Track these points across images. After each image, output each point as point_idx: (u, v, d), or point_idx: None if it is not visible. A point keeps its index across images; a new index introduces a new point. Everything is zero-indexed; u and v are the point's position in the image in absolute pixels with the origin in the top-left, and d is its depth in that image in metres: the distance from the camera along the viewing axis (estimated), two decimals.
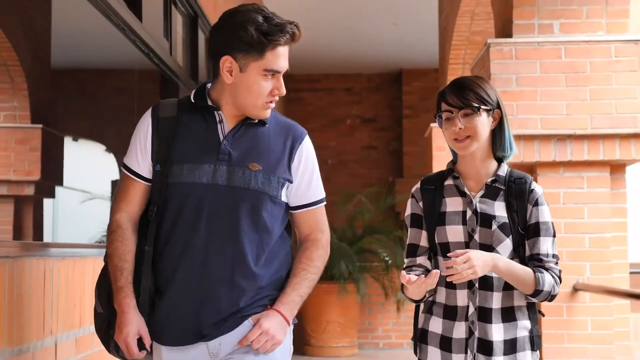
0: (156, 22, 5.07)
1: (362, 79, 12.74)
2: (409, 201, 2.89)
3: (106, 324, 2.61)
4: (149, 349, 2.56)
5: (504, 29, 5.47)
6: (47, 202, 3.64)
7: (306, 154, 2.67)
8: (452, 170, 2.82)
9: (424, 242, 2.81)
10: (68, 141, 3.87)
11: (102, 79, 4.67)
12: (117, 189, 2.68)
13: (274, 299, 2.62)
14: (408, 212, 2.87)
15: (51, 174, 3.65)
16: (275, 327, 2.55)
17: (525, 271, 2.70)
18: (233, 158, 2.57)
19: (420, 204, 2.82)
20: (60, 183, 3.76)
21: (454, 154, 2.83)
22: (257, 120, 2.61)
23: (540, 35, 5.26)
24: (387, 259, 10.01)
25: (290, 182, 2.63)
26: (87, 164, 4.16)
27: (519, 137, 5.16)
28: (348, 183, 12.20)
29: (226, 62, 2.53)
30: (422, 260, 2.81)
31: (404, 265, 2.85)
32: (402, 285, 2.75)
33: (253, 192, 2.55)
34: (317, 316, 10.11)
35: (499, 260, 2.67)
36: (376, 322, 10.87)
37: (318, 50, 11.41)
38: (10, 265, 2.81)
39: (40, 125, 3.48)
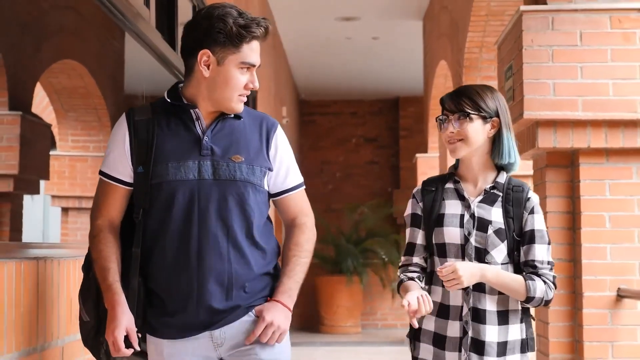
0: None
1: (365, 105, 13.22)
2: (410, 201, 2.78)
3: (94, 331, 2.47)
4: (136, 348, 2.41)
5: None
6: None
7: (281, 141, 2.58)
8: (453, 174, 2.75)
9: (421, 240, 2.72)
10: None
11: None
12: (96, 197, 2.53)
13: (272, 287, 2.51)
14: (408, 211, 2.78)
15: None
16: (280, 317, 2.45)
17: (516, 279, 2.61)
18: (216, 152, 2.46)
19: (421, 204, 2.73)
20: None
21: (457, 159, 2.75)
22: (232, 115, 2.51)
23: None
24: (384, 257, 10.93)
25: (271, 170, 2.53)
26: None
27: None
28: (354, 192, 12.79)
29: (204, 56, 2.42)
30: (417, 259, 2.72)
31: (400, 264, 2.77)
32: (399, 286, 2.71)
33: (239, 183, 2.45)
34: (329, 302, 11.07)
35: (487, 271, 2.59)
36: (376, 307, 11.70)
37: (329, 82, 12.14)
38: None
39: None
